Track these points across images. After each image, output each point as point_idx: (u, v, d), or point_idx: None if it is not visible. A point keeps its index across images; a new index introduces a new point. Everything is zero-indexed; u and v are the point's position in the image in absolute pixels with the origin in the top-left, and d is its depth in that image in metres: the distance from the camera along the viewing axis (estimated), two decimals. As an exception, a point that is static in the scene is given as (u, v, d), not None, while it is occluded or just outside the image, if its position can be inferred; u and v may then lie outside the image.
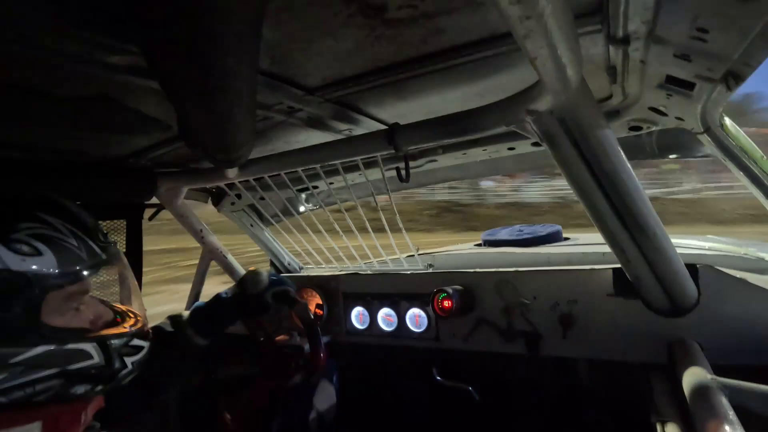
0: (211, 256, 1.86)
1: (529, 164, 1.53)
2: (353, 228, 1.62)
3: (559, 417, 1.61)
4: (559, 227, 2.40)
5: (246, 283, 1.06)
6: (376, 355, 1.87)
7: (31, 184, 1.11)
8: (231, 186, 1.59)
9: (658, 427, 0.88)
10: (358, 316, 1.74)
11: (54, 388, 0.59)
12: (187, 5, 0.51)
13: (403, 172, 1.15)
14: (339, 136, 1.25)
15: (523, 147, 1.38)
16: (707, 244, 1.76)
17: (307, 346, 1.34)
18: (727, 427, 0.68)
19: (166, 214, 1.60)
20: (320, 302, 1.79)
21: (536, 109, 0.78)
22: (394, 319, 1.65)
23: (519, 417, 1.68)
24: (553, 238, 2.26)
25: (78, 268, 0.62)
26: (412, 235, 1.64)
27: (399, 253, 1.79)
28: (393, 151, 1.04)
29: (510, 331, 1.43)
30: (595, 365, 1.49)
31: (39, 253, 0.58)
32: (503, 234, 2.40)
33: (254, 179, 1.40)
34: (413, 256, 1.78)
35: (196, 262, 1.92)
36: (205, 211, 1.83)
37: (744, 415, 0.73)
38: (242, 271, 1.96)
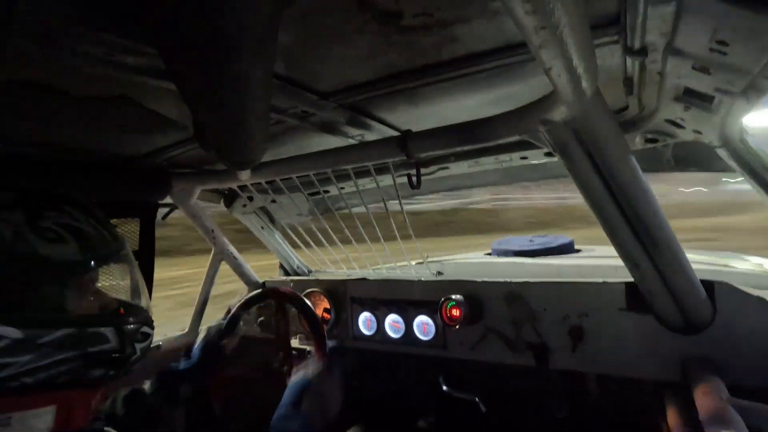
0: (221, 257, 1.87)
1: (542, 174, 1.52)
2: (363, 233, 1.62)
3: None
4: (570, 239, 2.37)
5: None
6: (383, 361, 1.86)
7: (51, 181, 1.14)
8: (243, 188, 1.61)
9: None
10: (365, 322, 1.73)
11: (73, 370, 0.62)
12: (204, 10, 0.52)
13: (414, 179, 1.14)
14: (351, 142, 1.25)
15: (536, 157, 1.37)
16: (724, 261, 1.72)
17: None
18: None
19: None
20: (328, 306, 1.79)
21: (550, 119, 0.77)
22: (402, 325, 1.64)
23: (526, 431, 1.65)
24: (564, 249, 2.23)
25: (97, 255, 0.65)
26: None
27: (408, 259, 1.78)
28: (404, 158, 1.04)
29: (518, 343, 1.41)
30: (605, 381, 1.46)
31: (64, 240, 0.61)
32: (513, 244, 2.37)
33: (266, 182, 1.41)
34: (422, 263, 1.77)
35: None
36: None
37: None
38: (252, 274, 1.98)
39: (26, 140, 1.03)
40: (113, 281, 0.71)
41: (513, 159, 1.41)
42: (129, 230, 1.45)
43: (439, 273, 1.70)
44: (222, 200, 1.81)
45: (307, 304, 1.45)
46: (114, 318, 0.67)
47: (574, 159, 0.84)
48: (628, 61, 0.76)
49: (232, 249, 1.86)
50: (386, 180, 1.53)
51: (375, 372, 1.99)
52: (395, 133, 1.20)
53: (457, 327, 1.46)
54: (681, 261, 0.98)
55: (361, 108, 1.05)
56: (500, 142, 1.02)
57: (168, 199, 1.53)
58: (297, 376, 1.11)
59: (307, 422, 0.96)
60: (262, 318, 1.93)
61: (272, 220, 1.97)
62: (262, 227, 1.93)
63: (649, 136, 1.13)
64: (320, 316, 1.82)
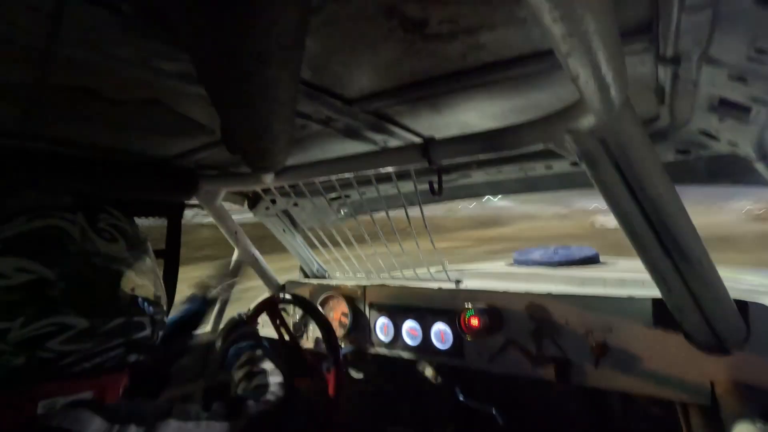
0: (243, 258, 1.91)
1: (567, 184, 1.48)
2: (383, 239, 1.62)
3: None
4: (595, 251, 2.31)
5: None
6: (399, 368, 1.84)
7: (87, 180, 1.19)
8: (267, 191, 1.64)
9: None
10: (382, 328, 1.73)
11: (118, 356, 0.67)
12: (235, 18, 0.54)
13: (435, 186, 1.14)
14: (374, 147, 1.26)
15: (561, 166, 1.34)
16: (759, 280, 1.64)
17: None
18: None
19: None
20: (346, 311, 1.80)
21: (576, 129, 0.76)
22: (419, 333, 1.63)
23: None
24: (588, 261, 2.18)
25: (137, 251, 0.73)
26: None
27: (427, 266, 1.77)
28: (426, 165, 1.04)
29: (539, 356, 1.38)
30: (628, 399, 1.41)
31: (115, 239, 0.69)
32: (536, 254, 2.33)
33: (289, 186, 1.44)
34: (441, 270, 1.76)
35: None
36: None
37: None
38: (273, 275, 2.00)
39: (65, 141, 1.08)
40: (145, 275, 0.75)
41: (537, 168, 1.38)
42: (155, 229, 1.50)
43: (459, 281, 1.68)
44: (245, 202, 1.85)
45: (317, 310, 1.48)
46: (149, 308, 0.73)
47: (601, 169, 0.82)
48: (660, 69, 0.74)
49: (255, 250, 1.89)
50: (407, 186, 1.53)
51: (391, 378, 1.97)
52: (418, 140, 1.20)
53: (476, 337, 1.43)
54: (713, 278, 0.94)
55: (384, 114, 1.05)
56: (524, 150, 1.01)
57: (194, 200, 1.58)
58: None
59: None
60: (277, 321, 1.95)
61: (294, 224, 1.99)
62: (284, 230, 1.96)
63: (681, 147, 1.10)
64: (338, 320, 1.83)
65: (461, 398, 1.82)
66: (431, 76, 0.84)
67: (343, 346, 1.78)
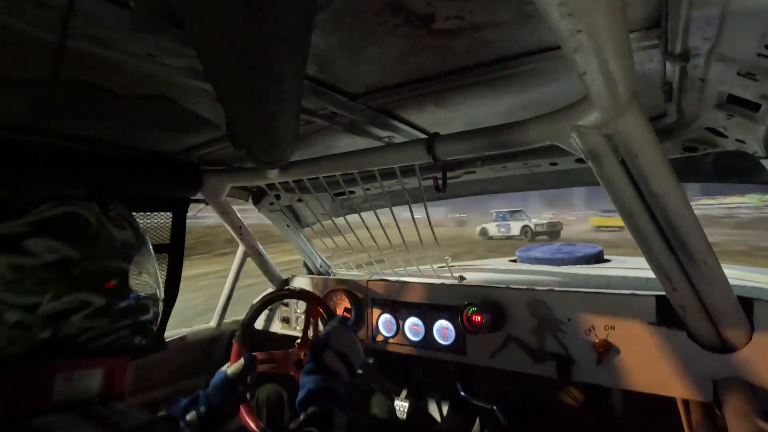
0: (248, 253, 1.92)
1: (572, 181, 1.48)
2: (386, 235, 1.62)
3: None
4: (599, 248, 2.30)
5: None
6: (401, 363, 1.85)
7: (94, 175, 1.20)
8: (271, 186, 1.64)
9: None
10: (385, 323, 1.74)
11: (126, 336, 0.72)
12: (241, 15, 0.54)
13: (440, 182, 1.14)
14: (378, 143, 1.26)
15: (567, 163, 1.34)
16: (763, 278, 1.63)
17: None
18: None
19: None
20: (348, 306, 1.81)
21: (582, 125, 0.75)
22: (421, 329, 1.64)
23: None
24: (592, 258, 2.17)
25: (141, 240, 0.78)
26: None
27: (430, 262, 1.77)
28: (431, 161, 1.04)
29: (540, 353, 1.38)
30: (630, 397, 1.41)
31: (125, 227, 0.74)
32: (539, 252, 2.33)
33: (293, 181, 1.44)
34: (445, 267, 1.76)
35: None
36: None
37: None
38: (276, 271, 2.02)
39: (73, 136, 1.09)
40: (148, 263, 0.80)
41: (542, 165, 1.38)
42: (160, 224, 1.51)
43: (462, 278, 1.69)
44: (250, 197, 1.86)
45: (325, 305, 1.48)
46: (152, 293, 0.78)
47: (607, 166, 0.82)
48: (668, 66, 0.74)
49: (259, 246, 1.90)
50: (412, 182, 1.53)
51: (392, 374, 1.99)
52: (423, 136, 1.20)
53: (478, 333, 1.44)
54: (718, 276, 0.93)
55: (389, 110, 1.05)
56: (530, 147, 1.00)
57: (199, 195, 1.59)
58: (320, 335, 1.13)
59: (331, 374, 0.99)
60: (284, 315, 1.97)
61: (298, 219, 2.00)
62: (288, 225, 1.96)
63: (688, 144, 1.09)
64: (341, 315, 1.84)
65: (462, 394, 1.83)
66: (437, 72, 0.84)
67: None
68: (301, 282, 2.00)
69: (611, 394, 1.53)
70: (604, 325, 1.28)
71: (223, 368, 1.26)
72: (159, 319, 0.82)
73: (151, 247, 0.82)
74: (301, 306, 1.93)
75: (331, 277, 2.04)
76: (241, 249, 1.91)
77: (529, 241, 19.49)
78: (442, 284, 1.64)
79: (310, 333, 1.42)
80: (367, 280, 1.81)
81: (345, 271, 2.03)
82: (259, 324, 2.00)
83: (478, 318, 1.42)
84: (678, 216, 0.85)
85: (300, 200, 1.81)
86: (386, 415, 2.00)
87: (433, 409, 1.97)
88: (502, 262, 2.46)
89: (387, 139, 1.24)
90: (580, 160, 1.27)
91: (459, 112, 1.06)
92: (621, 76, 0.58)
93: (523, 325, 1.42)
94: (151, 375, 1.66)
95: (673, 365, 1.17)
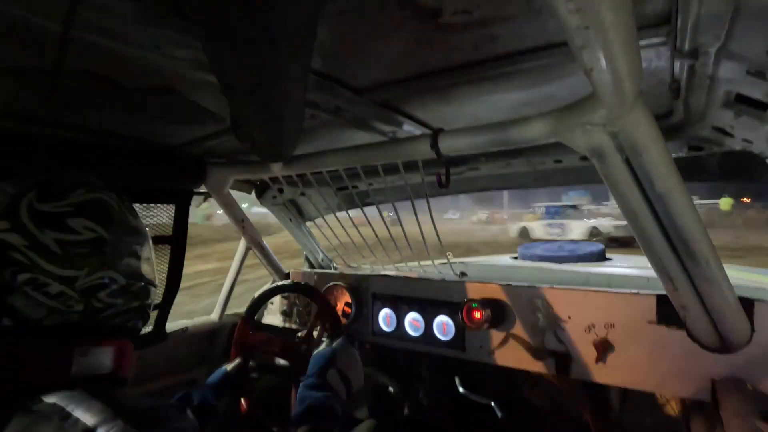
0: (250, 246, 1.92)
1: (576, 179, 1.48)
2: (388, 230, 1.62)
3: None
4: (601, 246, 2.30)
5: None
6: (400, 358, 1.86)
7: (99, 166, 1.20)
8: (274, 180, 1.64)
9: None
10: (385, 318, 1.74)
11: (134, 317, 0.78)
12: (247, 7, 0.54)
13: (443, 178, 1.14)
14: (382, 138, 1.26)
15: (571, 160, 1.33)
16: (764, 279, 1.63)
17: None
18: None
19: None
20: (349, 301, 1.81)
21: (588, 123, 0.75)
22: (421, 324, 1.64)
23: None
24: (593, 257, 2.17)
25: (145, 229, 0.83)
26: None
27: (432, 258, 1.77)
28: (435, 156, 1.04)
29: (540, 350, 1.38)
30: (628, 395, 1.41)
31: (136, 216, 0.80)
32: (541, 249, 2.33)
33: (296, 175, 1.44)
34: (446, 263, 1.76)
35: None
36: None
37: None
38: (278, 264, 2.02)
39: (78, 127, 1.09)
40: (151, 251, 0.85)
41: (546, 162, 1.37)
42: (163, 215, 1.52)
43: (463, 274, 1.69)
44: (253, 191, 1.86)
45: (325, 299, 1.49)
46: (152, 279, 0.84)
47: (611, 165, 0.82)
48: (677, 63, 0.73)
49: (261, 239, 1.91)
50: (415, 178, 1.53)
51: (391, 369, 1.99)
52: (427, 131, 1.20)
53: (478, 329, 1.44)
54: (720, 277, 0.93)
55: (394, 105, 1.05)
56: (534, 144, 1.00)
57: (202, 188, 1.59)
58: (321, 348, 1.14)
59: (332, 393, 1.00)
60: (284, 308, 1.98)
61: (300, 213, 2.00)
62: (290, 219, 1.97)
63: (694, 143, 1.08)
64: (341, 310, 1.84)
65: (461, 390, 1.83)
66: (443, 67, 0.84)
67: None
68: (303, 276, 2.01)
69: (610, 393, 1.54)
70: (604, 324, 1.28)
71: (223, 366, 1.29)
72: (152, 307, 0.86)
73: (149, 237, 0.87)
74: (302, 300, 1.94)
75: (333, 271, 2.05)
76: (243, 242, 1.92)
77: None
78: (443, 280, 1.64)
79: (315, 333, 1.43)
80: (368, 275, 1.81)
81: (346, 266, 2.03)
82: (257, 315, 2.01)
83: (479, 314, 1.42)
84: (681, 216, 0.85)
85: (303, 194, 1.81)
86: (383, 410, 2.02)
87: (431, 405, 1.98)
88: (504, 259, 2.46)
89: (391, 134, 1.24)
90: (584, 158, 1.27)
91: (464, 108, 1.05)
92: (628, 74, 0.57)
93: (523, 322, 1.42)
94: (153, 366, 1.67)
95: (672, 364, 1.17)
